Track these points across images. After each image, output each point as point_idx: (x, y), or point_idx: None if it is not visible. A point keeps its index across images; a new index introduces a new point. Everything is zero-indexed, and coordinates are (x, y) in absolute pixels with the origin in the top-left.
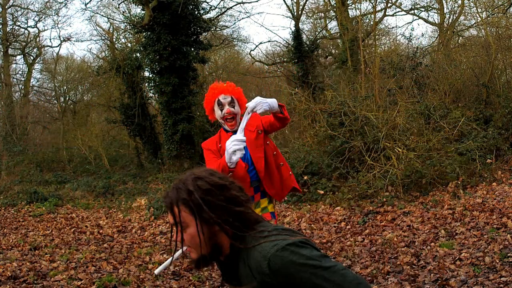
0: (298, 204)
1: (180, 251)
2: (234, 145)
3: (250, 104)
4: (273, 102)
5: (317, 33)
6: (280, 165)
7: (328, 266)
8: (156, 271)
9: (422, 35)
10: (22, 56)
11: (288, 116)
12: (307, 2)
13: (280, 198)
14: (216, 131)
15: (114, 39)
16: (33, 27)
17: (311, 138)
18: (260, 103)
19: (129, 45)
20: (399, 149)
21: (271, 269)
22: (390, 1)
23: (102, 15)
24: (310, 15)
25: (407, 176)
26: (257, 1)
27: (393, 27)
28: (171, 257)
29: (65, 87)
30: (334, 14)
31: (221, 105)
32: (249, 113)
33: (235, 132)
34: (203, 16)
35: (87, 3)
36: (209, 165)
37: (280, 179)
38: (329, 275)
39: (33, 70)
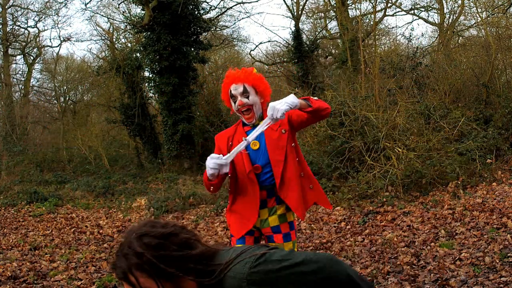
0: None
1: None
2: (211, 168)
3: (268, 114)
4: (290, 99)
5: (317, 33)
6: (301, 175)
7: (301, 260)
8: None
9: (422, 35)
10: (22, 56)
11: (321, 105)
12: (307, 2)
13: (299, 213)
14: (216, 131)
15: (114, 39)
16: (33, 27)
17: (311, 138)
18: (275, 109)
19: (129, 45)
20: (399, 149)
21: (254, 285)
22: (390, 1)
23: (102, 15)
24: (310, 15)
25: (407, 176)
26: (257, 1)
27: (393, 27)
28: None
29: (65, 87)
30: (334, 14)
31: (233, 97)
32: (266, 125)
33: (254, 126)
34: (203, 16)
35: (87, 3)
36: None
37: (300, 191)
38: (306, 268)
39: (33, 70)
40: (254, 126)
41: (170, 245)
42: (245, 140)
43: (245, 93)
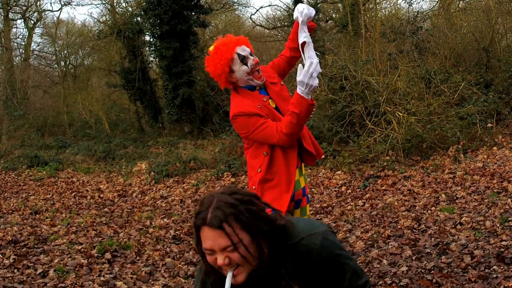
0: None
1: (230, 275)
2: (317, 63)
3: (304, 11)
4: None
5: None
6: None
7: (348, 255)
8: None
9: None
10: (23, 20)
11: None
12: None
13: (313, 161)
14: (217, 95)
15: (114, 3)
16: None
17: None
18: (310, 8)
19: (130, 9)
20: (400, 113)
21: (320, 259)
22: None
23: None
24: None
25: (408, 141)
26: None
27: None
28: (227, 284)
29: (66, 52)
30: None
31: (244, 59)
32: (305, 23)
33: (261, 87)
34: None
35: None
36: (270, 132)
37: (310, 137)
38: (351, 262)
39: (34, 34)
40: (260, 88)
41: (259, 204)
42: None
43: (251, 53)
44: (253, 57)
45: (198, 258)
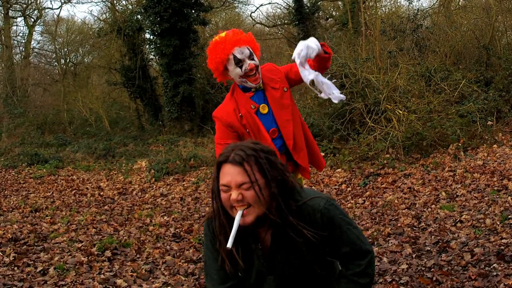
0: None
1: (240, 214)
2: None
3: (301, 52)
4: (314, 41)
5: None
6: (304, 134)
7: (352, 222)
8: (229, 244)
9: None
10: (23, 18)
11: (331, 51)
12: None
13: (308, 174)
14: (217, 93)
15: (114, 1)
16: None
17: (312, 100)
18: (309, 47)
19: (130, 7)
20: (400, 111)
21: (323, 220)
22: None
23: None
24: None
25: (408, 138)
26: None
27: None
28: (236, 222)
29: (66, 49)
30: None
31: (239, 62)
32: (303, 65)
33: (258, 89)
34: None
35: None
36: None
37: (307, 151)
38: (354, 229)
39: (34, 32)
40: (257, 90)
41: (276, 158)
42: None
43: (251, 56)
44: (250, 61)
45: (198, 256)
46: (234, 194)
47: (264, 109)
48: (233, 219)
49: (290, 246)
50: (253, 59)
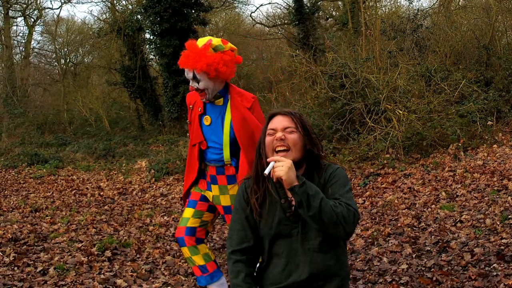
0: None
1: (271, 164)
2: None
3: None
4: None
5: None
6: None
7: (350, 186)
8: (266, 171)
9: None
10: (23, 18)
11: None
12: None
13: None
14: None
15: (114, 1)
16: None
17: (312, 100)
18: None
19: (130, 7)
20: (400, 111)
21: (335, 172)
22: None
23: None
24: None
25: (408, 138)
26: None
27: None
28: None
29: (66, 49)
30: None
31: (186, 78)
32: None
33: (209, 102)
34: None
35: None
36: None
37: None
38: (349, 192)
39: (34, 32)
40: (209, 102)
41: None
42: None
43: (195, 79)
44: (192, 84)
45: None
46: (279, 134)
47: (207, 120)
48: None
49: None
50: (197, 82)
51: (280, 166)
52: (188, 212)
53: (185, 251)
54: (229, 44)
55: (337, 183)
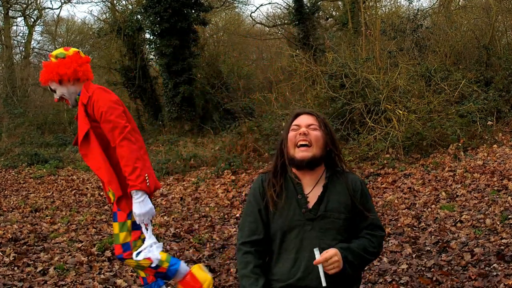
0: None
1: (321, 267)
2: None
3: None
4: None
5: None
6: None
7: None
8: (323, 283)
9: None
10: (23, 18)
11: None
12: None
13: (123, 205)
14: (217, 93)
15: (114, 1)
16: None
17: (312, 100)
18: (140, 217)
19: (130, 7)
20: (400, 111)
21: (362, 187)
22: None
23: None
24: None
25: (408, 138)
26: None
27: None
28: (320, 269)
29: None
30: None
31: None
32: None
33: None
34: None
35: None
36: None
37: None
38: (373, 206)
39: (34, 32)
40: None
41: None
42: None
43: (52, 91)
44: (55, 97)
45: (198, 256)
46: (302, 129)
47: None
48: (291, 159)
49: (333, 201)
50: (54, 92)
51: (331, 265)
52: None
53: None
54: (72, 49)
55: (367, 200)
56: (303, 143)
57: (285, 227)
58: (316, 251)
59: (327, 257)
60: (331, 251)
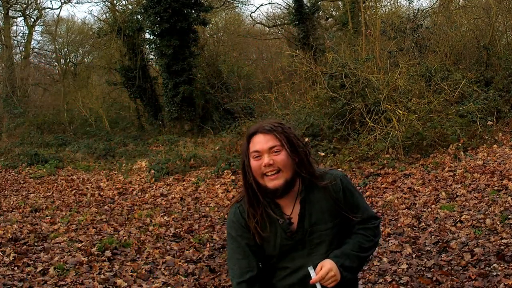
0: None
1: (312, 272)
2: None
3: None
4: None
5: None
6: None
7: (362, 195)
8: None
9: None
10: (23, 18)
11: None
12: None
13: None
14: (217, 93)
15: (114, 1)
16: None
17: (312, 100)
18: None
19: (130, 7)
20: (400, 111)
21: (343, 185)
22: None
23: None
24: None
25: (408, 138)
26: None
27: None
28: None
29: (66, 49)
30: None
31: None
32: None
33: None
34: None
35: None
36: None
37: None
38: (363, 198)
39: (34, 32)
40: None
41: (299, 137)
42: None
43: None
44: None
45: (198, 256)
46: (266, 159)
47: None
48: (263, 189)
49: (315, 213)
50: None
51: (329, 280)
52: None
53: None
54: None
55: (352, 196)
56: (271, 173)
57: (276, 252)
58: (311, 270)
59: (322, 275)
60: (326, 266)
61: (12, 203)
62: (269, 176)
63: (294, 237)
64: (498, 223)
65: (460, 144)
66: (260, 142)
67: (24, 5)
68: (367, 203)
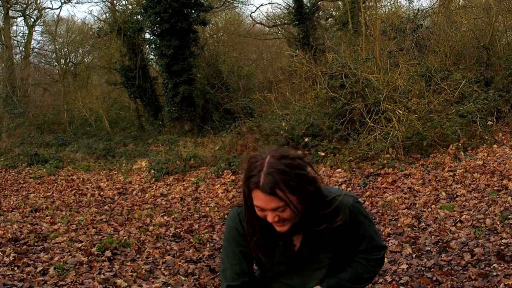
0: None
1: None
2: None
3: None
4: None
5: None
6: None
7: (372, 220)
8: None
9: None
10: (23, 18)
11: None
12: None
13: None
14: (217, 93)
15: (115, 1)
16: None
17: (312, 100)
18: None
19: (130, 7)
20: (400, 111)
21: (351, 216)
22: None
23: None
24: None
25: (408, 138)
26: None
27: None
28: None
29: (66, 49)
30: None
31: None
32: None
33: None
34: None
35: None
36: None
37: None
38: (373, 226)
39: (34, 32)
40: None
41: (305, 165)
42: None
43: None
44: None
45: (198, 256)
46: (270, 217)
47: None
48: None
49: (318, 240)
50: None
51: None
52: None
53: None
54: None
55: (360, 227)
56: (277, 223)
57: (273, 269)
58: None
59: None
60: None
61: (12, 203)
62: (275, 223)
63: (292, 259)
64: (498, 223)
65: (460, 144)
66: (262, 200)
67: (24, 5)
68: (376, 229)
